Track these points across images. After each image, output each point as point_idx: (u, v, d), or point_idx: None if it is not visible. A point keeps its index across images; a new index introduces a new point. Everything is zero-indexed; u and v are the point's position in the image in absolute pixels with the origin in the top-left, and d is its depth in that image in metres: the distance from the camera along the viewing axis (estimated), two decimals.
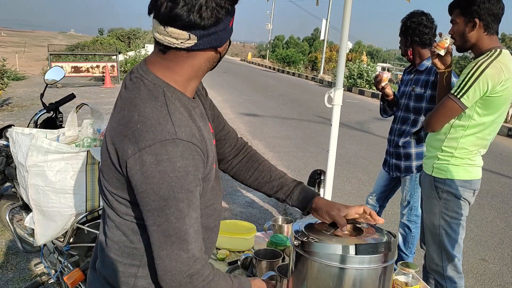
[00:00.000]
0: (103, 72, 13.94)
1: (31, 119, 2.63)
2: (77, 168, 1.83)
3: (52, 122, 2.64)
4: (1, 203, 2.98)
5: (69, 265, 2.04)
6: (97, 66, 14.09)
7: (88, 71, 14.05)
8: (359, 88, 15.77)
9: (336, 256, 1.13)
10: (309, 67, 30.15)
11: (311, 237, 1.19)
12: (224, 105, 10.86)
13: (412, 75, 2.90)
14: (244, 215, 4.43)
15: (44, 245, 2.35)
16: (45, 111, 2.61)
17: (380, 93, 3.06)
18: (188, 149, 0.94)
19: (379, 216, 3.15)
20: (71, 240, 1.94)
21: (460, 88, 2.06)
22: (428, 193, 2.29)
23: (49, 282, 2.50)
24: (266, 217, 4.42)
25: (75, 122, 2.07)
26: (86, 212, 1.86)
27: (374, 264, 1.13)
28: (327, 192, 1.99)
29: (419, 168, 2.89)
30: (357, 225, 1.27)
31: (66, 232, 1.93)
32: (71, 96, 2.68)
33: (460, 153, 2.18)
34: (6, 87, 9.95)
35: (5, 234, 3.63)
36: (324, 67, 23.36)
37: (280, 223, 2.04)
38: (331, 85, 17.36)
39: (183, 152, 0.93)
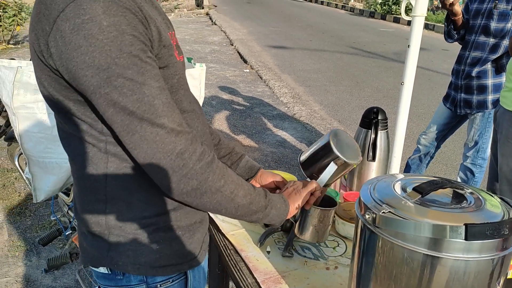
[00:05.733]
0: None
1: None
2: None
3: None
4: (13, 147, 2.73)
5: None
6: None
7: None
8: (394, 16, 14.63)
9: (430, 241, 0.76)
10: None
11: (389, 210, 0.81)
12: (249, 37, 10.23)
13: None
14: (275, 155, 4.11)
15: (57, 195, 2.09)
16: None
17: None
18: (113, 4, 0.75)
19: (433, 157, 2.80)
20: None
21: None
22: (508, 134, 1.86)
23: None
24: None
25: None
26: None
27: (488, 252, 0.76)
28: (399, 131, 1.59)
29: (496, 103, 2.42)
30: (458, 191, 0.88)
31: (72, 185, 1.63)
32: None
33: None
34: (24, 22, 9.59)
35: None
36: None
37: None
38: (362, 13, 16.19)
39: (107, 8, 0.74)
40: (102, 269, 0.96)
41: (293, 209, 1.04)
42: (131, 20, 0.76)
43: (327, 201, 1.25)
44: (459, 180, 2.70)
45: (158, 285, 0.96)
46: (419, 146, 2.88)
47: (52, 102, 0.86)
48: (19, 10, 9.32)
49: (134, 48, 0.76)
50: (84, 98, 0.81)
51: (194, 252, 1.00)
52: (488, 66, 2.40)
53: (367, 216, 0.83)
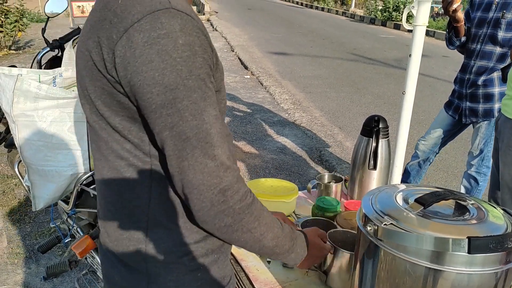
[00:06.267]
0: None
1: (34, 58, 2.29)
2: (76, 118, 1.48)
3: (59, 62, 2.30)
4: (13, 153, 2.73)
5: (78, 230, 1.76)
6: None
7: None
8: (395, 22, 14.65)
9: (432, 253, 0.75)
10: (339, 2, 28.62)
11: (390, 222, 0.81)
12: (250, 43, 10.25)
13: None
14: (275, 162, 4.10)
15: (57, 203, 2.09)
16: (48, 49, 2.27)
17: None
18: (189, 23, 0.72)
19: (432, 162, 2.77)
20: (77, 202, 1.64)
21: None
22: (510, 142, 1.86)
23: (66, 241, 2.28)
24: (299, 165, 4.08)
25: (74, 60, 1.68)
26: (90, 171, 1.54)
27: (491, 266, 0.75)
28: (400, 141, 1.58)
29: None
30: (461, 202, 0.87)
31: (72, 193, 1.62)
32: (78, 31, 2.30)
33: None
34: (26, 28, 9.63)
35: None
36: (355, 1, 21.88)
37: (326, 181, 1.68)
38: (363, 19, 16.24)
39: (184, 25, 0.71)
40: None
41: (306, 263, 1.02)
42: (203, 42, 0.74)
43: (323, 225, 1.26)
44: (462, 188, 2.69)
45: None
46: (417, 151, 2.87)
47: (95, 117, 0.81)
48: (21, 16, 9.36)
49: (202, 71, 0.73)
50: (139, 115, 0.76)
51: (229, 274, 0.96)
52: (495, 74, 2.39)
53: (368, 228, 0.82)
